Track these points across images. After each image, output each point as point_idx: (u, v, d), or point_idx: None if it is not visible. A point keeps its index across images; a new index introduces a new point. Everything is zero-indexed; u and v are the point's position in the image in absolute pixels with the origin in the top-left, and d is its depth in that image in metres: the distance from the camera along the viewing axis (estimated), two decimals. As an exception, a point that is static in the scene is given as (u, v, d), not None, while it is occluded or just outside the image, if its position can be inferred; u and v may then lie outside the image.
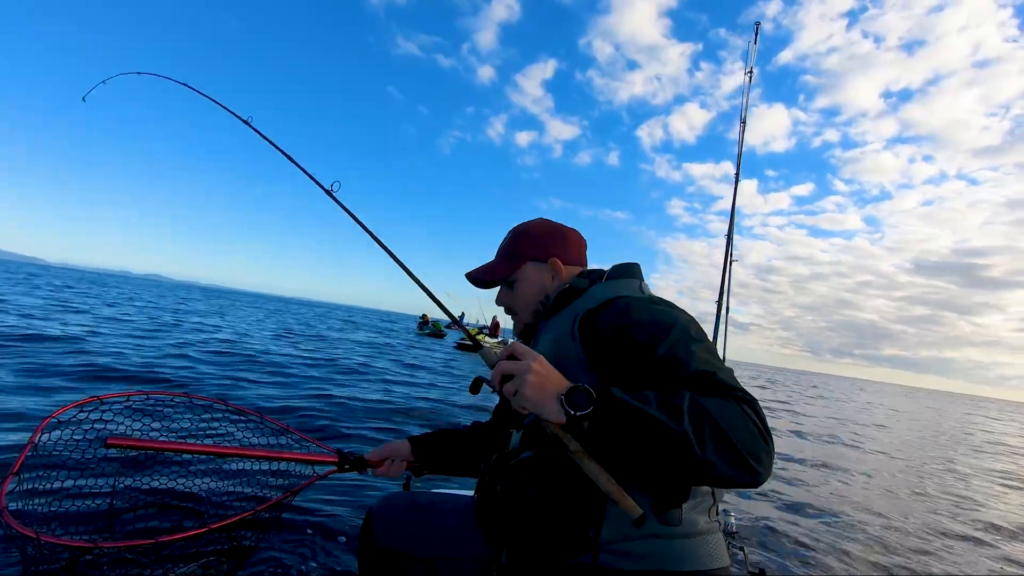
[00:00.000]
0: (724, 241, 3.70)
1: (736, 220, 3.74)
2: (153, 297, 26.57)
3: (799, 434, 8.45)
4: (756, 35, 3.88)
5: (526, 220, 1.16)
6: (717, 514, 0.88)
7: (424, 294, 1.10)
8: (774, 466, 0.73)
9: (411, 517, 1.12)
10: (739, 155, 3.46)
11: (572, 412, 0.72)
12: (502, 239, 1.17)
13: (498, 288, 1.16)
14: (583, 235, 1.17)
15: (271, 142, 1.41)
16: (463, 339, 19.73)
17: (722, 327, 3.86)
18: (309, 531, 2.47)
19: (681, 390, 0.72)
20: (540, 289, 1.09)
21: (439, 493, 1.24)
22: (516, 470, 0.93)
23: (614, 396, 0.71)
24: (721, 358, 0.84)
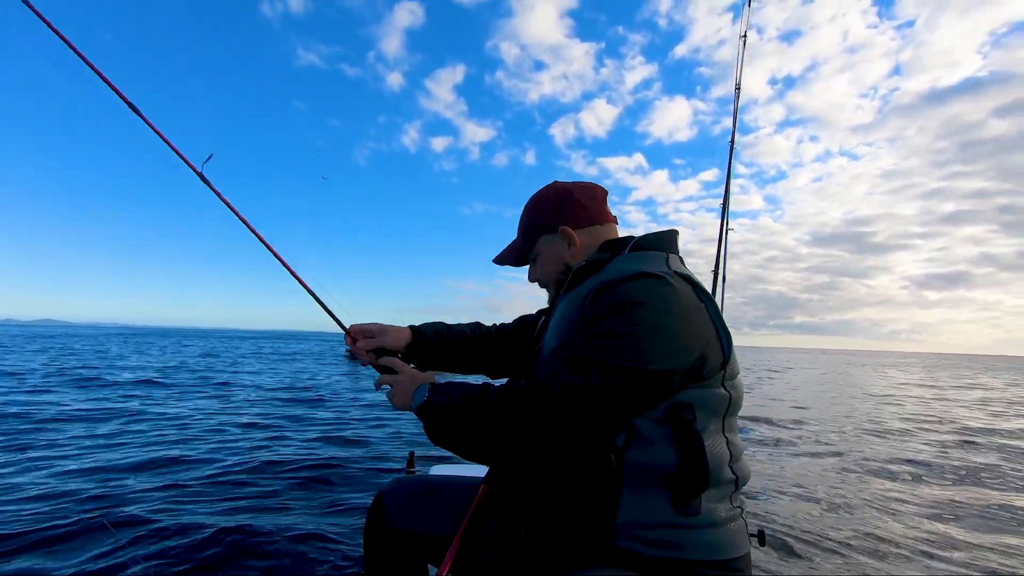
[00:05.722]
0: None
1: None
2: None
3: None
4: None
5: (541, 187, 1.09)
6: (739, 502, 0.84)
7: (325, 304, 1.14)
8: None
9: (424, 498, 1.09)
10: (735, 117, 3.52)
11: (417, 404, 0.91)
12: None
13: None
14: (594, 190, 1.06)
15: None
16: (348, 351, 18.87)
17: (719, 291, 3.91)
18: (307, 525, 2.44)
19: (492, 386, 0.84)
20: (559, 261, 1.03)
21: (449, 475, 1.22)
22: None
23: (432, 402, 0.87)
24: (639, 363, 0.73)
